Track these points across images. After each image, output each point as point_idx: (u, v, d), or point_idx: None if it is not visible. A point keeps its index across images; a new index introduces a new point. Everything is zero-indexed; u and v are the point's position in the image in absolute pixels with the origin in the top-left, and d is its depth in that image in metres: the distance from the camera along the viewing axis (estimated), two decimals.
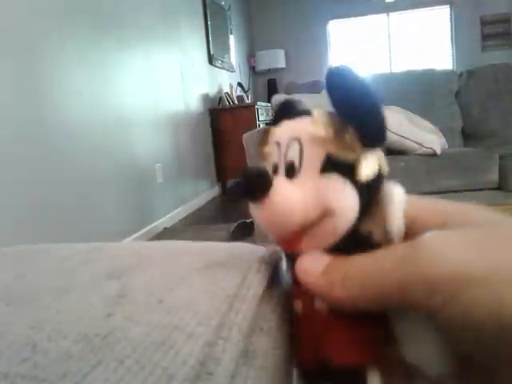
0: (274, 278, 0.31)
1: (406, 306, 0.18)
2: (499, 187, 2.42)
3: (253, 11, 6.91)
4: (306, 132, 0.22)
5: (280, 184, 0.21)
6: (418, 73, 3.11)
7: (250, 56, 6.82)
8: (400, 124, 2.53)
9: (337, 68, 0.22)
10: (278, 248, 0.35)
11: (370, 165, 0.21)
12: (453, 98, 3.02)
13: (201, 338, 0.20)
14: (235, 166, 4.65)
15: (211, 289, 0.25)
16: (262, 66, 6.64)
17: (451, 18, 6.55)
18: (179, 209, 3.76)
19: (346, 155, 0.21)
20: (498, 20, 6.34)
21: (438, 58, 6.63)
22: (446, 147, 2.73)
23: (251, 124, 4.61)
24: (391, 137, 2.50)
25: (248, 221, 2.92)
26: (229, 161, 4.78)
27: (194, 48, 4.56)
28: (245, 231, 2.80)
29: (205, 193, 4.49)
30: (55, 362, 0.18)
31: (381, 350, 0.21)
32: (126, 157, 2.92)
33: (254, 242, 0.34)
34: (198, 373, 0.18)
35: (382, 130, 0.21)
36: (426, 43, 6.74)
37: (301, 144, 0.22)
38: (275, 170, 0.23)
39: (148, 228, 3.11)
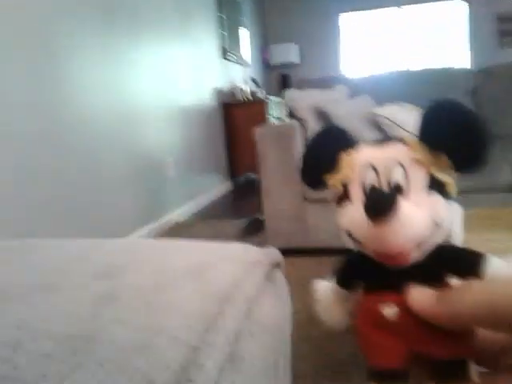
0: (270, 280, 0.31)
1: None
2: None
3: (266, 4, 6.87)
4: (407, 156, 0.24)
5: (403, 203, 0.22)
6: (433, 72, 3.07)
7: (264, 49, 6.79)
8: (414, 123, 2.50)
9: (444, 103, 0.25)
10: (275, 250, 0.35)
11: (453, 184, 0.24)
12: (469, 97, 2.98)
13: (185, 342, 0.20)
14: (247, 162, 4.64)
15: (202, 291, 0.25)
16: (275, 59, 6.62)
17: (469, 14, 6.45)
18: (190, 203, 3.77)
19: (443, 176, 0.24)
20: None
21: (455, 54, 6.53)
22: None
23: (264, 119, 4.60)
24: (404, 135, 2.47)
25: (260, 218, 2.92)
26: (241, 156, 4.77)
27: (207, 41, 4.55)
28: (257, 228, 2.80)
29: (216, 188, 4.50)
30: (35, 363, 0.18)
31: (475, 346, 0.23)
32: (138, 150, 2.93)
33: (266, 240, 0.33)
34: (179, 378, 0.18)
35: (478, 160, 0.23)
36: (441, 39, 6.64)
37: (404, 167, 0.24)
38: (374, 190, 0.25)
39: (159, 222, 3.12)
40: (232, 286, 0.25)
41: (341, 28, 6.89)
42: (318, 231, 2.42)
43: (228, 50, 5.04)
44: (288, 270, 1.54)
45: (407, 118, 2.51)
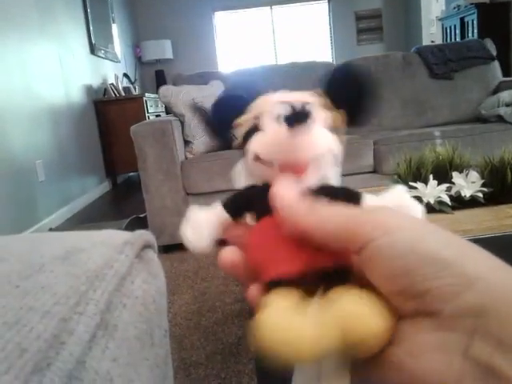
0: (141, 259, 0.33)
1: (345, 244, 0.23)
2: (374, 170, 2.65)
3: (136, 1, 6.69)
4: (315, 100, 0.28)
5: (318, 124, 0.27)
6: (299, 65, 3.27)
7: (136, 46, 6.61)
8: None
9: (344, 65, 0.29)
10: (147, 232, 0.37)
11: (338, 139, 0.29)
12: None
13: (57, 315, 0.21)
14: (125, 160, 4.50)
15: (72, 272, 0.26)
16: (148, 56, 6.48)
17: (329, 13, 6.96)
18: (65, 208, 3.55)
19: (337, 119, 0.29)
20: (371, 15, 6.87)
21: (319, 50, 7.01)
22: None
23: (140, 116, 4.49)
24: None
25: (141, 216, 2.86)
26: (118, 155, 4.61)
27: (74, 37, 4.31)
28: (137, 227, 2.74)
29: (93, 189, 4.30)
30: None
31: None
32: (0, 153, 2.69)
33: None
34: (52, 344, 0.19)
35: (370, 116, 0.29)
36: (307, 36, 7.08)
37: (313, 108, 0.27)
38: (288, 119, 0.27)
39: (31, 230, 2.90)
40: (102, 266, 0.27)
41: (216, 26, 6.97)
42: None
43: (97, 46, 4.81)
44: (175, 265, 1.58)
45: None
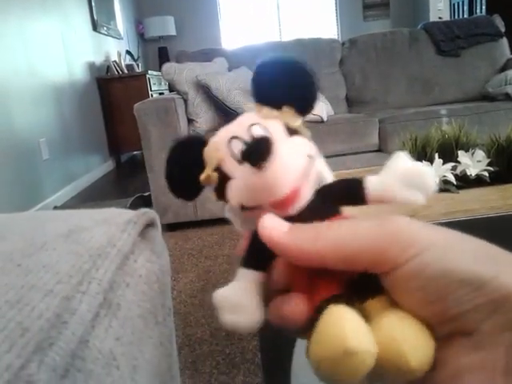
0: (145, 237, 0.32)
1: (371, 267, 0.21)
2: (380, 149, 2.64)
3: None
4: (256, 117, 0.25)
5: (275, 143, 0.23)
6: (304, 42, 3.22)
7: (139, 23, 6.52)
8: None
9: (267, 60, 0.26)
10: (151, 210, 0.36)
11: (304, 128, 0.26)
12: (337, 66, 3.19)
13: (59, 294, 0.21)
14: (129, 138, 4.49)
15: (75, 251, 0.26)
16: (151, 33, 6.39)
17: None
18: (70, 186, 3.56)
19: (298, 121, 0.25)
20: None
21: (325, 27, 6.89)
22: (332, 114, 2.89)
23: (143, 94, 4.46)
24: None
25: (145, 194, 2.86)
26: (122, 133, 4.60)
27: (76, 14, 4.25)
28: (142, 205, 2.74)
29: (97, 168, 4.30)
30: None
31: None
32: (4, 132, 2.68)
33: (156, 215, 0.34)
34: (54, 323, 0.19)
35: (313, 103, 0.26)
36: (312, 13, 6.95)
37: (261, 124, 0.25)
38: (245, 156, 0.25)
39: (36, 208, 2.92)
40: (105, 244, 0.27)
41: (220, 2, 6.86)
42: (205, 203, 2.46)
43: (100, 23, 4.75)
44: (179, 244, 1.58)
45: None
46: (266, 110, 0.26)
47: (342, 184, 0.26)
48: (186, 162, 0.27)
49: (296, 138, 0.25)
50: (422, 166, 0.25)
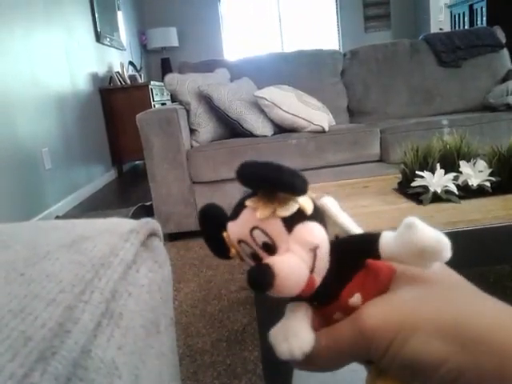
0: (147, 247, 0.33)
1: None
2: (381, 159, 2.64)
3: None
4: (254, 219, 0.26)
5: (276, 259, 0.25)
6: (307, 53, 3.24)
7: (142, 34, 6.58)
8: (291, 103, 2.63)
9: (247, 164, 0.26)
10: (153, 220, 0.37)
11: (306, 201, 0.26)
12: (338, 77, 3.21)
13: (62, 303, 0.21)
14: (131, 148, 4.50)
15: (78, 260, 0.26)
16: (154, 44, 6.44)
17: (336, 0, 6.87)
18: (72, 196, 3.57)
19: (292, 208, 0.26)
20: (379, 2, 6.78)
21: (326, 38, 6.94)
22: (333, 124, 2.90)
23: (146, 104, 4.48)
24: (283, 115, 2.60)
25: (147, 204, 2.87)
26: (124, 143, 4.62)
27: (79, 25, 4.29)
28: (144, 215, 2.75)
29: (99, 177, 4.31)
30: None
31: None
32: (7, 141, 2.70)
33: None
34: (57, 332, 0.19)
35: (303, 185, 0.26)
36: (314, 24, 7.00)
37: (260, 228, 0.26)
38: (256, 257, 0.27)
39: (38, 217, 2.92)
40: (108, 254, 0.27)
41: (222, 13, 6.91)
42: None
43: (103, 34, 4.79)
44: (181, 253, 1.58)
45: (284, 99, 2.63)
46: (261, 208, 0.26)
47: (356, 241, 0.28)
48: (215, 232, 0.29)
49: (295, 232, 0.26)
50: (442, 240, 0.25)
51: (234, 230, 0.27)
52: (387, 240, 0.27)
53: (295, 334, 0.27)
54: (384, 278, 0.27)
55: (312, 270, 0.26)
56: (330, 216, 0.29)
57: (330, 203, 0.29)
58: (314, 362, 0.26)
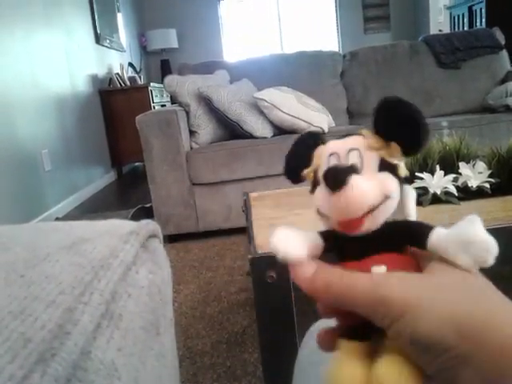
0: (146, 248, 0.33)
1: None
2: None
3: None
4: (363, 143, 0.29)
5: (355, 176, 0.27)
6: (306, 54, 3.24)
7: (141, 35, 6.58)
8: (291, 104, 2.63)
9: (389, 101, 0.29)
10: (152, 221, 0.37)
11: (403, 167, 0.29)
12: (338, 78, 3.21)
13: (62, 305, 0.21)
14: (131, 150, 4.50)
15: (78, 262, 0.26)
16: (153, 45, 6.45)
17: (336, 0, 6.88)
18: (71, 197, 3.57)
19: (393, 160, 0.29)
20: (378, 3, 6.79)
21: (326, 39, 6.95)
22: (333, 125, 2.91)
23: (145, 106, 4.49)
24: (283, 117, 2.60)
25: (147, 205, 2.87)
26: (124, 144, 4.62)
27: (79, 27, 4.29)
28: (144, 216, 2.75)
29: (99, 179, 4.31)
30: None
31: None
32: (7, 142, 2.70)
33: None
34: (56, 334, 0.19)
35: (421, 146, 0.29)
36: (314, 25, 7.01)
37: (360, 152, 0.29)
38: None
39: (38, 219, 2.92)
40: (107, 255, 0.27)
41: (222, 14, 6.92)
42: (207, 214, 2.46)
43: (102, 36, 4.79)
44: (180, 255, 1.58)
45: (284, 100, 2.63)
46: (373, 141, 0.29)
47: (410, 225, 0.30)
48: (302, 153, 0.33)
49: (383, 175, 0.28)
50: (493, 243, 0.27)
51: (334, 145, 0.30)
52: (439, 234, 0.28)
53: (295, 243, 0.29)
54: (410, 269, 0.28)
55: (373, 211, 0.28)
56: (403, 201, 0.31)
57: (408, 190, 0.31)
58: (325, 289, 0.27)
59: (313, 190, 0.30)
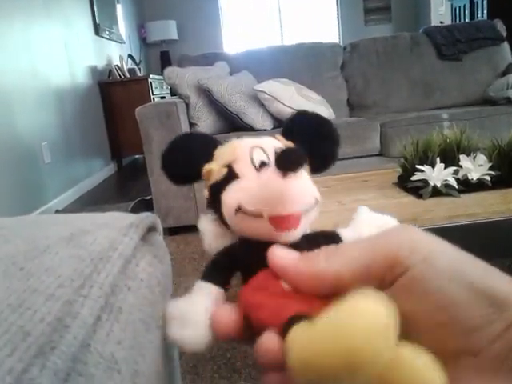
0: (146, 241, 0.33)
1: (387, 273, 0.21)
2: (381, 153, 2.63)
3: None
4: (283, 144, 0.28)
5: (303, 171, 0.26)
6: (306, 46, 3.22)
7: (141, 27, 6.54)
8: (291, 97, 2.62)
9: (302, 113, 0.29)
10: (152, 214, 0.36)
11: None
12: (338, 70, 3.19)
13: (61, 298, 0.21)
14: (130, 142, 4.49)
15: (77, 254, 0.26)
16: (153, 37, 6.41)
17: None
18: (71, 190, 3.57)
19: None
20: None
21: (326, 31, 6.91)
22: (333, 117, 2.90)
23: (145, 98, 4.47)
24: (283, 109, 2.59)
25: (146, 198, 2.87)
26: (123, 136, 4.60)
27: (78, 18, 4.26)
28: (144, 209, 2.75)
29: (99, 172, 4.31)
30: None
31: None
32: (5, 134, 2.69)
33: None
34: (56, 327, 0.19)
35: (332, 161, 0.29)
36: (314, 17, 6.97)
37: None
38: (264, 165, 0.27)
39: (38, 211, 2.92)
40: (107, 248, 0.27)
41: (222, 6, 6.88)
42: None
43: (102, 27, 4.76)
44: (180, 247, 1.57)
45: (284, 92, 2.62)
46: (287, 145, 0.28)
47: (321, 233, 0.29)
48: (191, 151, 0.30)
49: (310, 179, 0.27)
50: (390, 218, 0.29)
51: (254, 140, 0.28)
52: (344, 233, 0.29)
53: (193, 326, 0.25)
54: None
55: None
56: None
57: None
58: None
59: (214, 192, 0.27)
